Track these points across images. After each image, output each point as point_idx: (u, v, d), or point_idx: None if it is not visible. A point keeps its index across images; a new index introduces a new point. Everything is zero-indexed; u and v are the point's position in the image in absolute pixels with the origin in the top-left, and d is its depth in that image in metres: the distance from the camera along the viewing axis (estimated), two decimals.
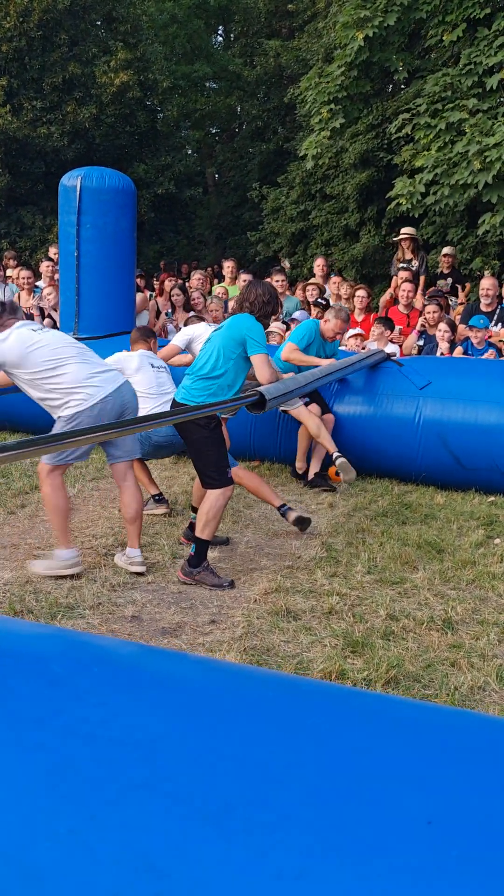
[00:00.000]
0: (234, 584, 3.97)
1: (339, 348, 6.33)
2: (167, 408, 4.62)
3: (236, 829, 0.71)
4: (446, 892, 0.67)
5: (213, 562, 4.25)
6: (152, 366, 5.07)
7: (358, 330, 7.27)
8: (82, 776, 0.77)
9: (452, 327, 7.09)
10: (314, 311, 7.83)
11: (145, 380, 4.93)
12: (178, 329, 7.33)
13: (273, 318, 4.77)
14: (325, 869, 0.68)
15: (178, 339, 5.67)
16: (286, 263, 12.68)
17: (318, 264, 9.33)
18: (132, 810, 0.74)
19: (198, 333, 5.49)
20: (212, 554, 4.36)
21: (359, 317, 7.80)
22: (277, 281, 8.21)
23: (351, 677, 2.99)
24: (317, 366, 5.33)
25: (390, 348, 6.88)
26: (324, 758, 0.81)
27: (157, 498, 5.16)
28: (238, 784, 0.77)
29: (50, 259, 9.76)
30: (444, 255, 9.13)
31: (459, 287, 9.01)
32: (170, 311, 8.49)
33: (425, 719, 0.92)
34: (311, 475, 5.80)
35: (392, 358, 6.21)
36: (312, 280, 8.87)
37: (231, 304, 8.25)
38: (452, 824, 0.73)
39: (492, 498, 5.56)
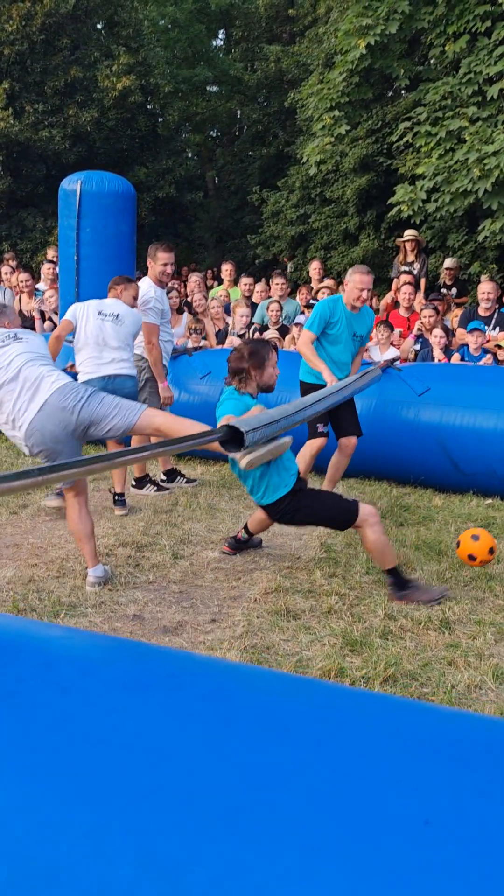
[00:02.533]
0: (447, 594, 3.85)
1: None
2: (106, 356, 4.85)
3: (244, 830, 0.73)
4: (446, 892, 0.70)
5: (211, 562, 4.30)
6: (99, 313, 4.95)
7: None
8: (96, 780, 0.80)
9: (447, 332, 7.15)
10: (308, 313, 7.88)
11: (89, 329, 4.91)
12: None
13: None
14: (331, 869, 0.71)
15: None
16: (290, 266, 12.72)
17: (314, 268, 9.40)
18: (144, 813, 0.76)
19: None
20: (212, 555, 4.41)
21: None
22: (277, 284, 8.27)
23: (349, 675, 3.05)
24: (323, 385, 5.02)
25: (392, 352, 6.94)
26: (328, 759, 0.83)
27: (117, 498, 5.19)
28: (245, 785, 0.79)
29: (50, 261, 9.80)
30: (447, 269, 9.19)
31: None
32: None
33: (425, 719, 0.95)
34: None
35: (392, 364, 6.26)
36: (323, 284, 8.85)
37: (232, 305, 8.31)
38: (450, 824, 0.75)
39: (489, 500, 5.62)
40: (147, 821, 0.77)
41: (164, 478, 5.93)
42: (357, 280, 5.02)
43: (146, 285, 5.53)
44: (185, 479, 5.95)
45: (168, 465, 5.98)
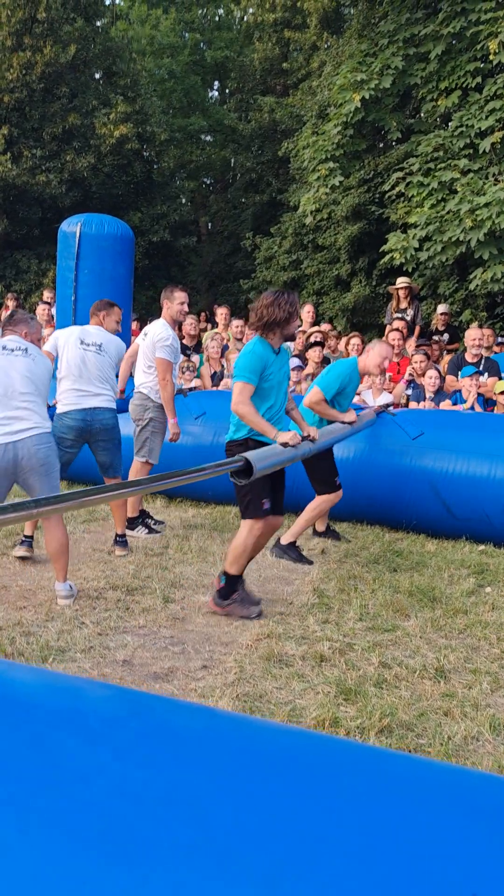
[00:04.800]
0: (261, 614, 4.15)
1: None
2: (88, 389, 4.84)
3: (285, 891, 0.71)
4: None
5: (203, 606, 4.24)
6: (81, 342, 4.89)
7: None
8: (129, 836, 0.77)
9: (440, 376, 7.20)
10: (310, 353, 7.88)
11: (70, 359, 4.86)
12: None
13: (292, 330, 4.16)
14: None
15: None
16: None
17: (307, 310, 9.49)
18: (182, 871, 0.73)
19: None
20: (203, 598, 4.35)
21: None
22: None
23: (344, 725, 2.98)
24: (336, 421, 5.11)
25: (385, 398, 6.96)
26: (370, 821, 0.81)
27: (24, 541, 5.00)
28: (282, 844, 0.77)
29: (45, 303, 9.87)
30: (440, 314, 9.31)
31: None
32: None
33: (428, 776, 0.93)
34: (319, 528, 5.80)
35: (386, 408, 6.28)
36: (316, 329, 8.93)
37: (230, 345, 8.37)
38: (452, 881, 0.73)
39: (482, 547, 5.59)
40: (196, 880, 0.74)
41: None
42: (381, 350, 5.27)
43: (160, 325, 5.58)
44: (146, 530, 5.69)
45: (135, 513, 5.73)
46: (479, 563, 5.21)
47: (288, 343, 5.22)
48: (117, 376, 5.17)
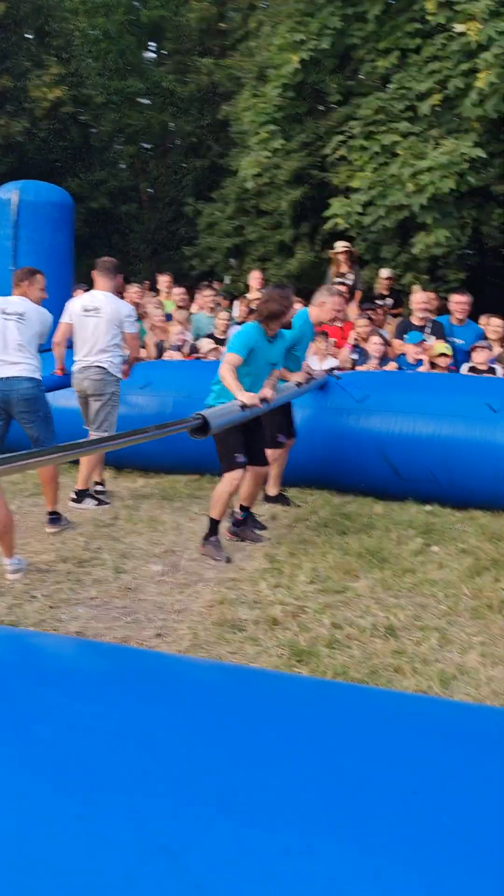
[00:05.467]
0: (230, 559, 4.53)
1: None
2: (6, 358, 4.79)
3: (242, 811, 0.73)
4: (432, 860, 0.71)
5: (155, 576, 4.24)
6: (2, 312, 4.83)
7: None
8: (86, 767, 0.79)
9: (385, 342, 7.25)
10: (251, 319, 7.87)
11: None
12: None
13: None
14: (330, 844, 0.71)
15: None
16: (227, 278, 12.72)
17: (255, 277, 9.43)
18: (137, 796, 0.75)
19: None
20: (155, 568, 4.35)
21: None
22: (206, 296, 8.27)
23: None
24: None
25: (331, 362, 6.99)
26: (303, 743, 0.84)
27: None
28: (236, 769, 0.79)
29: None
30: (384, 279, 9.33)
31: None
32: None
33: (389, 706, 0.97)
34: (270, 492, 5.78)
35: (331, 372, 6.31)
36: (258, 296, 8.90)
37: (173, 314, 8.28)
38: (433, 798, 0.76)
39: (428, 507, 5.70)
40: (153, 804, 0.76)
41: (74, 496, 5.64)
42: (333, 302, 5.53)
43: (115, 299, 5.70)
44: (95, 501, 5.63)
45: (85, 485, 5.67)
46: (425, 522, 5.32)
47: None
48: (47, 349, 5.09)
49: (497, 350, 7.04)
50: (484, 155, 8.24)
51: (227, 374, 4.49)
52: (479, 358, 6.68)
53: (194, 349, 7.72)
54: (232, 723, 0.89)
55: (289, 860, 0.68)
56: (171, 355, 7.53)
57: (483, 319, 7.62)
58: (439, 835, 0.70)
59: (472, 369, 6.75)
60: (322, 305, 5.47)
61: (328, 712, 0.95)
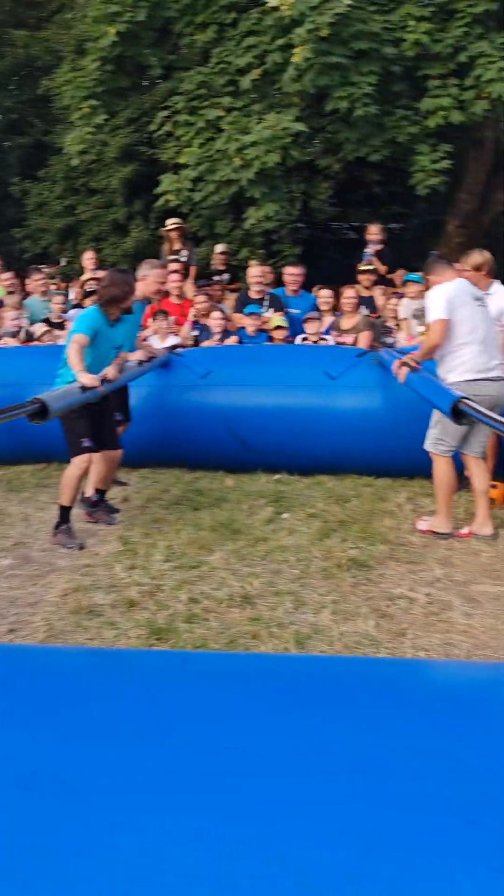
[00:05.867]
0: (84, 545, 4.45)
1: None
2: None
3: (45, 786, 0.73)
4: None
5: (4, 570, 4.11)
6: None
7: None
8: None
9: (225, 317, 7.32)
10: (87, 302, 7.70)
11: None
12: None
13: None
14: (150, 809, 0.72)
15: None
16: (63, 260, 12.32)
17: (88, 257, 9.20)
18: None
19: None
20: (4, 562, 4.21)
21: None
22: (37, 280, 8.02)
23: None
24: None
25: (172, 340, 6.97)
26: (137, 714, 0.85)
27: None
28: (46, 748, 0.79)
29: None
30: (219, 254, 9.36)
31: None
32: None
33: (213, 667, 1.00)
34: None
35: (173, 350, 6.30)
36: (90, 276, 8.66)
37: (4, 300, 7.94)
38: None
39: (277, 476, 5.84)
40: None
41: None
42: (157, 275, 5.39)
43: None
44: None
45: None
46: (275, 491, 5.45)
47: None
48: None
49: (328, 320, 7.27)
50: (305, 129, 8.42)
51: (72, 355, 4.49)
52: (312, 329, 6.89)
53: (30, 335, 7.46)
54: (66, 701, 0.89)
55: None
56: (6, 342, 7.24)
57: (315, 291, 7.84)
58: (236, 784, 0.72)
59: (306, 339, 6.95)
60: (144, 279, 5.38)
61: (172, 682, 0.97)
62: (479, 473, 4.70)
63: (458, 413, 3.67)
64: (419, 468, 5.53)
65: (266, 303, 7.55)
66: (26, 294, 8.31)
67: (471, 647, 3.27)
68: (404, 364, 4.73)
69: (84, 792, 0.71)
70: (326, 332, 7.03)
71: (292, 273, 7.64)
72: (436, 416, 4.64)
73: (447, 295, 4.53)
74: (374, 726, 0.82)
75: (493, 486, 5.11)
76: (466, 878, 0.62)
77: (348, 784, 0.73)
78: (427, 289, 4.97)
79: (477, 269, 5.16)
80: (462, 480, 5.29)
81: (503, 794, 0.71)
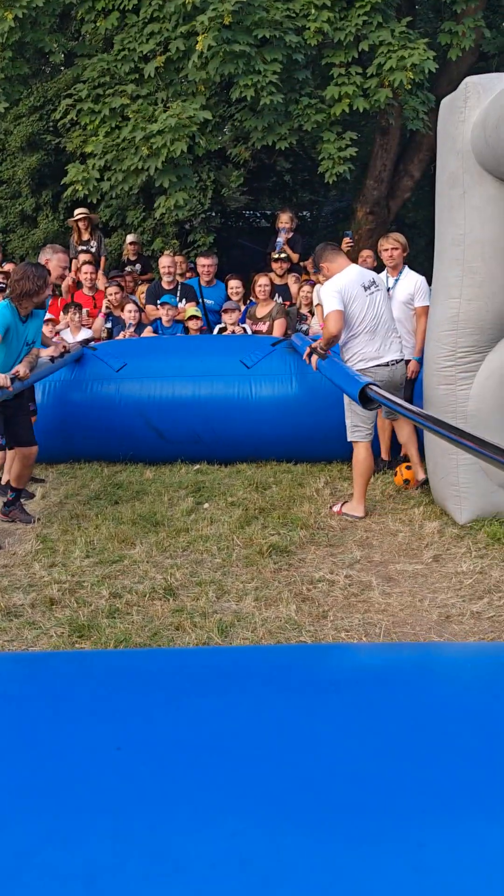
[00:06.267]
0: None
1: None
2: None
3: None
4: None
5: None
6: None
7: (49, 315, 7.13)
8: None
9: (139, 308, 7.25)
10: None
11: None
12: None
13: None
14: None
15: None
16: None
17: None
18: None
19: None
20: None
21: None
22: None
23: None
24: None
25: (85, 333, 6.86)
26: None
27: None
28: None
29: None
30: (130, 244, 9.26)
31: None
32: None
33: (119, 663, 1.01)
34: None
35: (87, 344, 6.21)
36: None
37: None
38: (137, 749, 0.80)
39: (197, 466, 5.84)
40: None
41: None
42: (60, 259, 5.21)
43: None
44: None
45: None
46: (195, 481, 5.45)
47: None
48: None
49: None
50: (210, 118, 8.39)
51: None
52: (230, 319, 6.89)
53: None
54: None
55: None
56: None
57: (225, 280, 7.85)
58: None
59: (223, 329, 6.96)
60: (48, 264, 5.18)
61: (73, 683, 0.96)
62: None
63: (366, 398, 3.75)
64: (336, 453, 5.63)
65: (179, 293, 7.52)
66: None
67: (389, 625, 3.36)
68: (313, 351, 4.82)
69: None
70: (241, 321, 7.05)
71: (205, 264, 7.62)
72: (347, 402, 4.74)
73: (338, 287, 4.67)
74: (266, 716, 0.84)
75: (408, 468, 5.24)
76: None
77: (226, 774, 0.75)
78: (323, 275, 5.04)
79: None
80: (378, 464, 5.41)
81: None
